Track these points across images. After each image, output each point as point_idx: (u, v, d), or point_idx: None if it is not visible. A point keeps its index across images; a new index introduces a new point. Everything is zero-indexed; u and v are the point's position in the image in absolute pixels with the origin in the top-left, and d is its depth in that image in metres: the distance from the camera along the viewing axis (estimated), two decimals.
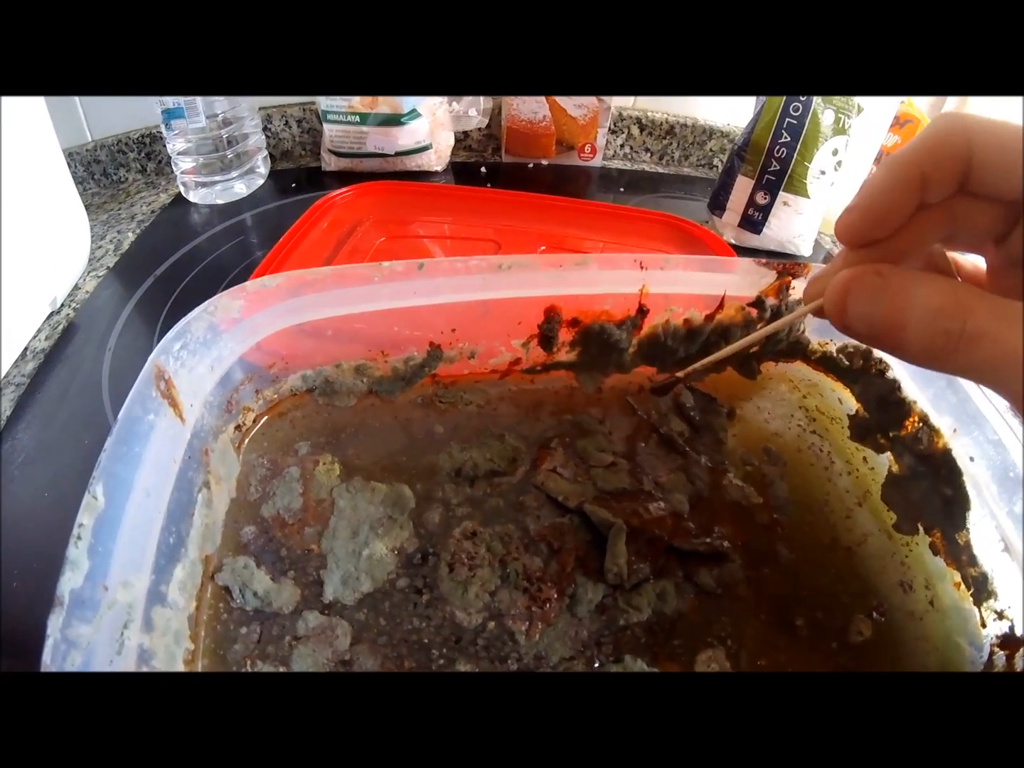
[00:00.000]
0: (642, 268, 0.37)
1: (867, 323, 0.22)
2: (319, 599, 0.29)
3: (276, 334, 0.33)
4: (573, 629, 0.29)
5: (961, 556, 0.34)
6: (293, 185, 0.76)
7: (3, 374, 0.50)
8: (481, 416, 0.36)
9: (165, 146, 0.72)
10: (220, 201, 0.73)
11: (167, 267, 0.63)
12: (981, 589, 0.33)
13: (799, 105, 0.62)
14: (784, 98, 0.62)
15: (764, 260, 0.38)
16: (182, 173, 0.72)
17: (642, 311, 0.37)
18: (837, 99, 0.61)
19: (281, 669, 0.28)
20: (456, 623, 0.29)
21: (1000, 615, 0.32)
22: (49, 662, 0.22)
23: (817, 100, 0.61)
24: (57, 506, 0.40)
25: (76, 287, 0.61)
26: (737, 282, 0.38)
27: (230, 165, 0.72)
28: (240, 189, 0.73)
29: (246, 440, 0.34)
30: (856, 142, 0.64)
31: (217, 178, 0.72)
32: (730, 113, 0.83)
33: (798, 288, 0.39)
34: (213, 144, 0.70)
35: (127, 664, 0.24)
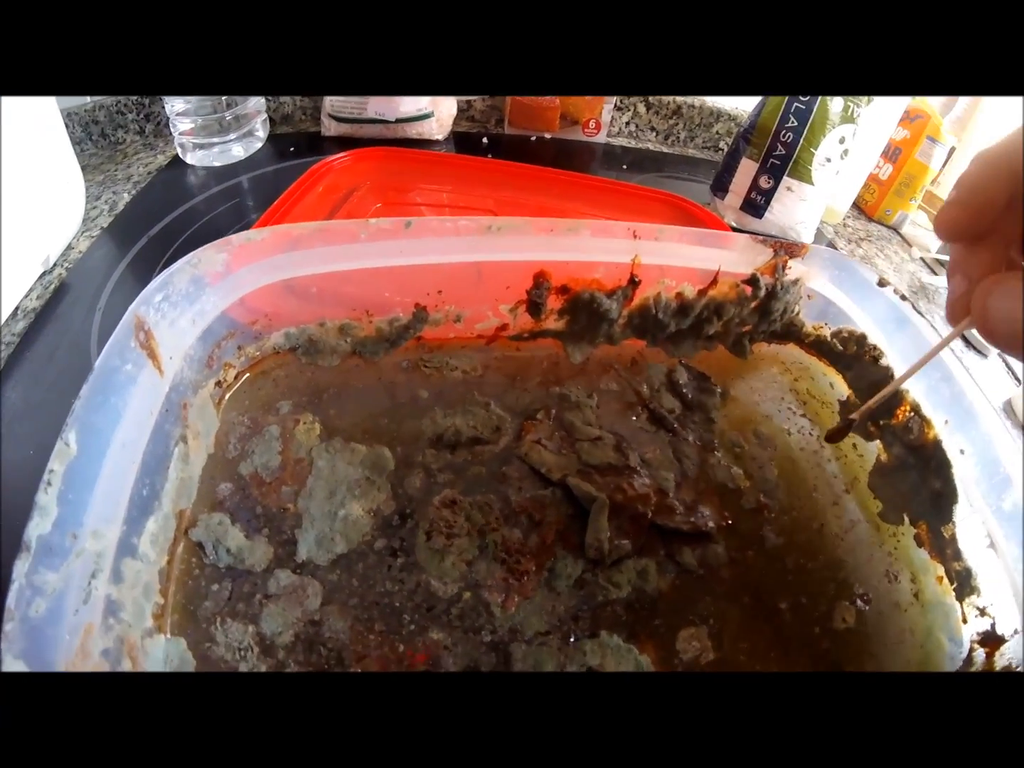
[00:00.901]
0: (635, 237, 0.36)
1: (1010, 329, 0.22)
2: (292, 558, 0.29)
3: (260, 290, 0.32)
4: (550, 603, 0.29)
5: (946, 550, 0.34)
6: (291, 149, 0.75)
7: None
8: (466, 383, 0.36)
9: (164, 108, 0.71)
10: (217, 163, 0.72)
11: (161, 228, 0.63)
12: (964, 584, 0.33)
13: None
14: None
15: (761, 237, 0.38)
16: (180, 134, 0.71)
17: (634, 281, 0.37)
18: None
19: (250, 628, 0.28)
20: (431, 591, 0.29)
21: (982, 612, 0.32)
22: (13, 607, 0.21)
23: None
24: (42, 465, 0.40)
25: (69, 247, 0.61)
26: (733, 258, 0.38)
27: (228, 127, 0.71)
28: (238, 152, 0.72)
29: (226, 396, 0.34)
30: (864, 132, 0.63)
31: (215, 140, 0.71)
32: (738, 97, 0.82)
33: (795, 268, 0.39)
34: (212, 106, 0.69)
35: (93, 615, 0.24)
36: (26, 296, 0.55)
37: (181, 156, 0.73)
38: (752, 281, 0.38)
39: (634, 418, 0.37)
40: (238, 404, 0.34)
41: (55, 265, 0.59)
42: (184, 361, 0.31)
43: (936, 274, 0.71)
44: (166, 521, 0.29)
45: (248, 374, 0.35)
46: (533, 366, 0.38)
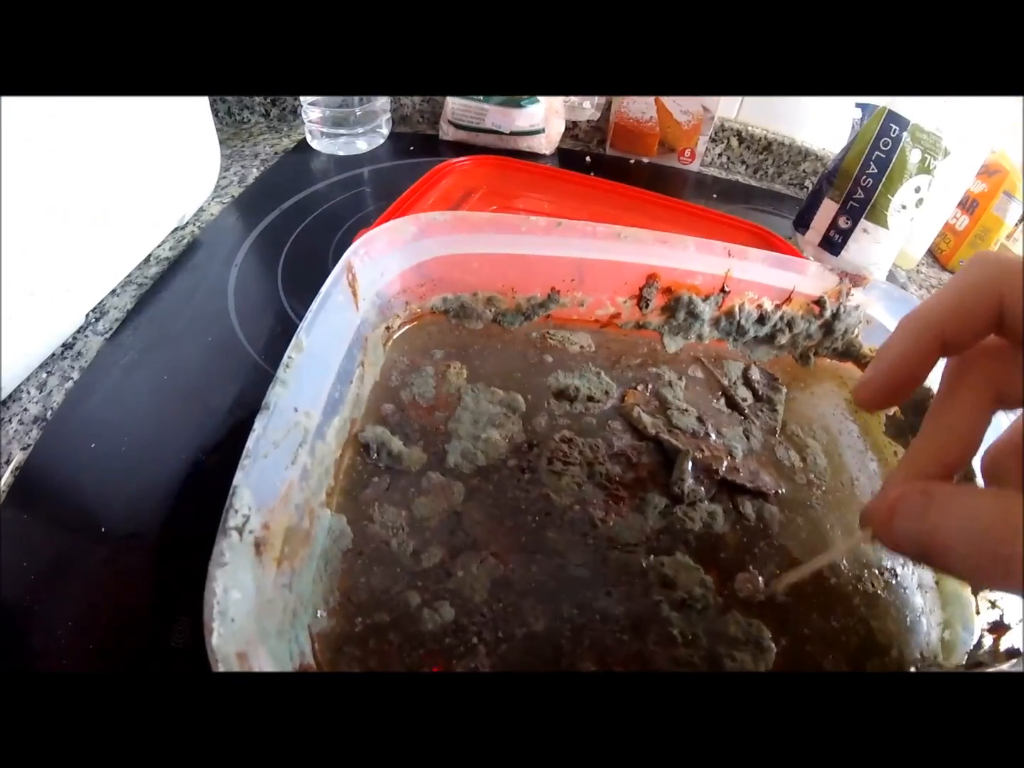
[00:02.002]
0: (729, 255, 0.48)
1: (914, 545, 0.22)
2: (442, 464, 0.40)
3: (433, 259, 0.45)
4: (639, 524, 0.39)
5: None
6: (411, 148, 0.87)
7: (127, 274, 0.59)
8: (583, 355, 0.48)
9: (290, 97, 0.82)
10: (341, 153, 0.83)
11: (291, 204, 0.73)
12: None
13: (889, 140, 0.71)
14: (877, 131, 0.71)
15: (830, 267, 0.49)
16: (309, 122, 0.82)
17: (724, 291, 0.49)
18: (925, 139, 0.70)
19: (403, 512, 0.37)
20: (549, 500, 0.39)
21: (993, 604, 0.40)
22: (252, 448, 0.29)
23: (906, 138, 0.70)
24: (175, 391, 0.49)
25: (201, 209, 0.72)
26: (806, 282, 0.50)
27: (357, 122, 0.82)
28: (361, 145, 0.84)
29: (391, 340, 0.45)
30: (939, 183, 0.73)
31: (342, 131, 0.82)
32: (827, 138, 0.93)
33: (857, 296, 0.50)
34: (344, 100, 0.81)
35: (293, 474, 0.32)
36: (159, 246, 0.64)
37: (308, 141, 0.84)
38: (820, 302, 0.50)
39: (714, 401, 0.48)
40: (398, 348, 0.45)
41: (188, 223, 0.69)
42: (370, 304, 0.42)
43: None
44: (343, 424, 0.38)
45: (408, 325, 0.46)
46: (635, 350, 0.50)
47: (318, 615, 0.32)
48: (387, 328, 0.45)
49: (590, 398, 0.45)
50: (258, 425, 0.30)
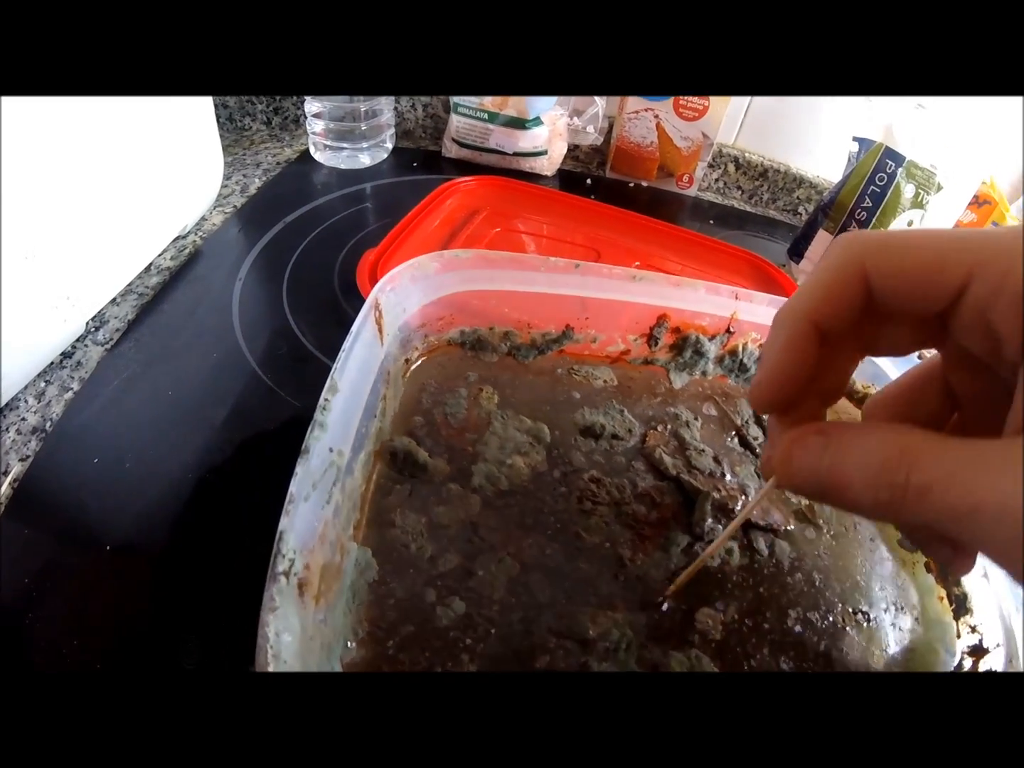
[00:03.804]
0: (736, 298, 0.50)
1: (814, 485, 0.22)
2: (468, 481, 0.41)
3: (454, 294, 0.46)
4: (664, 562, 0.40)
5: (948, 576, 0.45)
6: (414, 164, 0.88)
7: (127, 283, 0.59)
8: (606, 391, 0.50)
9: (292, 105, 0.82)
10: (344, 166, 0.84)
11: (294, 218, 0.74)
12: (961, 606, 0.44)
13: (884, 176, 0.74)
14: (873, 166, 0.74)
15: None
16: (313, 133, 0.83)
17: (729, 331, 0.51)
18: (919, 175, 0.72)
19: (423, 518, 0.38)
20: (580, 538, 0.40)
21: (973, 629, 0.43)
22: (295, 493, 0.30)
23: (902, 173, 0.73)
24: (177, 404, 0.50)
25: (203, 218, 0.72)
26: None
27: (361, 136, 0.84)
28: (365, 159, 0.85)
29: (408, 372, 0.47)
30: (932, 217, 0.75)
31: (345, 145, 0.84)
32: (821, 166, 0.95)
33: None
34: (349, 113, 0.82)
35: (328, 513, 0.33)
36: (160, 255, 0.64)
37: (311, 153, 0.85)
38: None
39: (728, 440, 0.50)
40: (415, 379, 0.47)
41: (189, 232, 0.69)
42: (393, 338, 0.43)
43: None
44: (367, 457, 0.39)
45: (424, 358, 0.48)
46: (652, 386, 0.52)
47: (348, 646, 0.34)
48: (406, 360, 0.46)
49: (615, 436, 0.47)
50: (299, 470, 0.31)
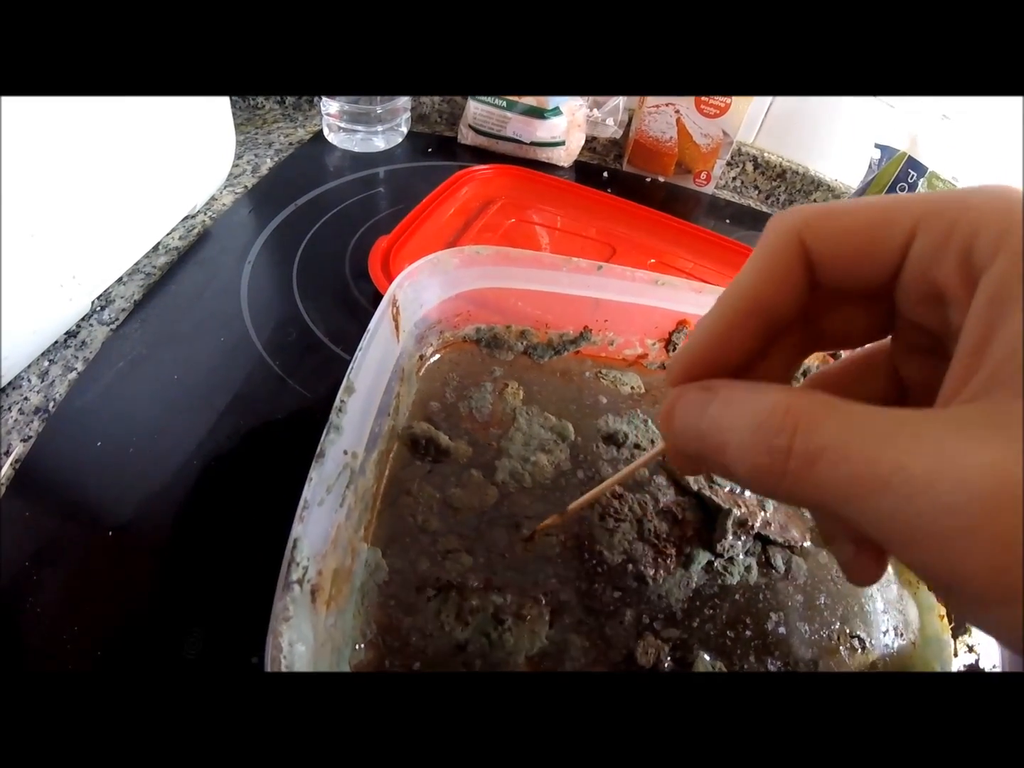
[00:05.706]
0: None
1: (692, 443, 0.21)
2: (492, 475, 0.41)
3: (472, 291, 0.45)
4: (686, 579, 0.40)
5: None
6: (429, 150, 0.87)
7: (135, 262, 0.58)
8: (632, 398, 0.49)
9: None
10: (357, 149, 0.83)
11: (305, 201, 0.73)
12: (960, 625, 0.44)
13: (906, 186, 0.73)
14: (895, 175, 0.74)
15: None
16: (327, 115, 0.82)
17: None
18: (941, 187, 0.72)
19: (438, 494, 0.39)
20: (602, 557, 0.40)
21: (970, 648, 0.43)
22: (309, 499, 0.30)
23: (923, 183, 0.72)
24: (183, 388, 0.49)
25: (213, 198, 0.71)
26: None
27: (376, 119, 0.82)
28: (379, 143, 0.84)
29: (423, 368, 0.46)
30: None
31: (359, 128, 0.82)
32: (840, 170, 0.94)
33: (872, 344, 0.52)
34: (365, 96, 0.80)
35: (340, 516, 0.33)
36: (168, 234, 0.64)
37: (324, 134, 0.83)
38: (834, 355, 0.51)
39: None
40: (430, 376, 0.46)
41: (199, 212, 0.68)
42: (409, 334, 0.42)
43: None
44: (379, 456, 0.39)
45: (439, 354, 0.47)
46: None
47: (356, 648, 0.33)
48: (420, 357, 0.46)
49: (637, 446, 0.46)
50: (314, 475, 0.31)
